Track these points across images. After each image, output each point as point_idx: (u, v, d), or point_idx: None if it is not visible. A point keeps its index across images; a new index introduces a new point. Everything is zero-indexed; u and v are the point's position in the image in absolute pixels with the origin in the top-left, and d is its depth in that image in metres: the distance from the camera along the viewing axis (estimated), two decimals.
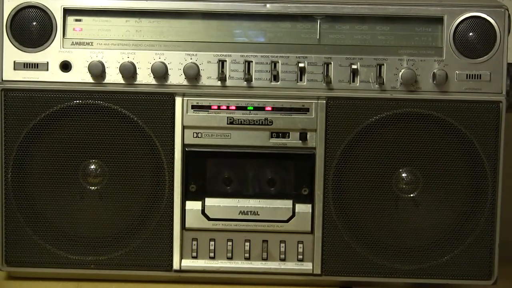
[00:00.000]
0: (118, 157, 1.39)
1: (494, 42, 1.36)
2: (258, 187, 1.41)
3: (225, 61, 1.38)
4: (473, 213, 1.39)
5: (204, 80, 1.38)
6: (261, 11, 1.38)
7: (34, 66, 1.37)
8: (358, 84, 1.38)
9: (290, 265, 1.41)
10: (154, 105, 1.38)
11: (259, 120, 1.39)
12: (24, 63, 1.38)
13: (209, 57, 1.38)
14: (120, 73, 1.37)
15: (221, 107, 1.38)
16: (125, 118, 1.37)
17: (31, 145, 1.38)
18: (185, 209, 1.40)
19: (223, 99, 1.38)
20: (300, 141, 1.39)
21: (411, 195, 1.40)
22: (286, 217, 1.40)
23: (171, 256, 1.41)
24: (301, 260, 1.41)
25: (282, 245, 1.41)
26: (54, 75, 1.38)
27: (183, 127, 1.39)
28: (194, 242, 1.41)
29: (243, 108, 1.38)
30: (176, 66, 1.38)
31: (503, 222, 1.40)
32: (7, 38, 1.37)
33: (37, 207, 1.40)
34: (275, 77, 1.38)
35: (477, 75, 1.37)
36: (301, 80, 1.38)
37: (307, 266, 1.41)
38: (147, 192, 1.40)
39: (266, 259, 1.41)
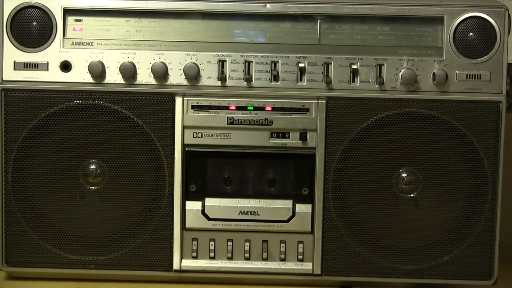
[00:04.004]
0: (118, 157, 1.39)
1: (494, 42, 1.36)
2: (258, 187, 1.41)
3: (225, 61, 1.38)
4: (473, 213, 1.39)
5: (204, 80, 1.38)
6: (261, 11, 1.38)
7: (34, 66, 1.38)
8: (358, 84, 1.38)
9: (290, 265, 1.42)
10: (154, 105, 1.38)
11: (259, 120, 1.39)
12: (24, 63, 1.38)
13: (209, 57, 1.38)
14: (120, 73, 1.38)
15: (221, 107, 1.38)
16: (125, 118, 1.37)
17: (31, 145, 1.38)
18: (185, 209, 1.40)
19: (223, 99, 1.38)
20: (300, 141, 1.39)
21: (411, 195, 1.40)
22: (286, 217, 1.40)
23: (171, 256, 1.41)
24: (301, 260, 1.41)
25: (282, 245, 1.41)
26: (54, 75, 1.38)
27: (183, 127, 1.39)
28: (194, 242, 1.41)
29: (243, 108, 1.38)
30: (176, 66, 1.38)
31: (503, 222, 1.40)
32: (7, 38, 1.37)
33: (37, 207, 1.40)
34: (275, 77, 1.38)
35: (477, 75, 1.37)
36: (301, 80, 1.38)
37: (307, 266, 1.41)
38: (147, 192, 1.40)
39: (266, 259, 1.41)
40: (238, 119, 1.39)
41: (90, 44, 1.38)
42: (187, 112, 1.38)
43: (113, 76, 1.38)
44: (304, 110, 1.38)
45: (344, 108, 1.37)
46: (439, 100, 1.37)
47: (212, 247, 1.41)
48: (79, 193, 1.40)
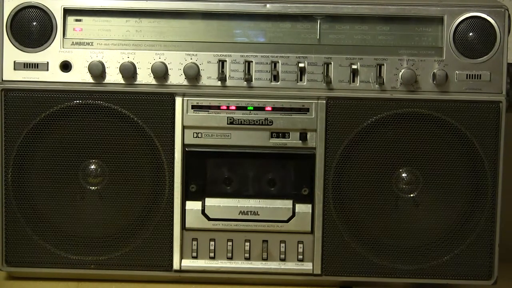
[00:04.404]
0: (118, 157, 1.39)
1: (494, 42, 1.36)
2: (258, 187, 1.41)
3: (225, 61, 1.38)
4: (473, 213, 1.39)
5: (204, 80, 1.38)
6: (261, 11, 1.38)
7: (34, 66, 1.38)
8: (358, 84, 1.38)
9: (290, 265, 1.42)
10: (154, 105, 1.38)
11: (259, 120, 1.39)
12: (24, 63, 1.38)
13: (209, 57, 1.38)
14: (120, 73, 1.38)
15: (221, 107, 1.38)
16: (125, 118, 1.37)
17: (31, 145, 1.38)
18: (185, 209, 1.40)
19: (223, 99, 1.38)
20: (300, 141, 1.39)
21: (411, 195, 1.40)
22: (286, 217, 1.40)
23: (171, 256, 1.41)
24: (301, 260, 1.41)
25: (282, 245, 1.41)
26: (54, 75, 1.38)
27: (183, 127, 1.39)
28: (194, 242, 1.41)
29: (243, 108, 1.38)
30: (176, 66, 1.38)
31: (503, 222, 1.40)
32: (7, 38, 1.37)
33: (37, 207, 1.40)
34: (275, 77, 1.38)
35: (477, 75, 1.37)
36: (301, 80, 1.38)
37: (307, 266, 1.41)
38: (147, 192, 1.40)
39: (266, 259, 1.41)
40: (238, 119, 1.39)
41: (90, 44, 1.38)
42: (187, 112, 1.38)
43: (113, 76, 1.38)
44: (304, 110, 1.38)
45: (344, 108, 1.37)
46: (439, 100, 1.37)
47: (212, 247, 1.41)
48: (79, 193, 1.40)
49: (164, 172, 1.39)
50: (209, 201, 1.41)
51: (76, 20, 1.39)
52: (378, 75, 1.37)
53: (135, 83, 1.38)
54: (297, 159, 1.39)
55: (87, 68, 1.37)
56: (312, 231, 1.40)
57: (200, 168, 1.40)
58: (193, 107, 1.38)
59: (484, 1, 1.39)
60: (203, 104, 1.38)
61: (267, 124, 1.39)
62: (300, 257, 1.41)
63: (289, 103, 1.38)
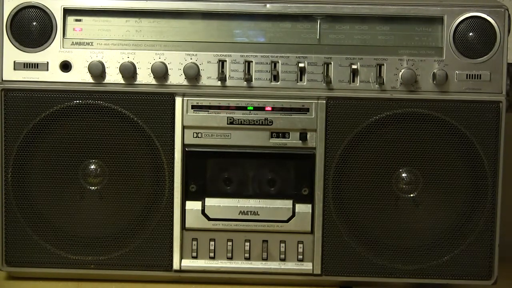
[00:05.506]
0: (118, 157, 1.39)
1: (494, 42, 1.36)
2: (258, 187, 1.41)
3: (225, 61, 1.38)
4: (473, 213, 1.39)
5: (204, 80, 1.38)
6: (261, 11, 1.38)
7: (34, 66, 1.38)
8: (358, 84, 1.38)
9: (290, 265, 1.42)
10: (154, 105, 1.38)
11: (259, 120, 1.39)
12: (24, 63, 1.38)
13: (209, 57, 1.38)
14: (120, 73, 1.38)
15: (221, 107, 1.38)
16: (125, 118, 1.37)
17: (31, 145, 1.38)
18: (185, 209, 1.40)
19: (223, 99, 1.38)
20: (300, 141, 1.39)
21: (411, 195, 1.40)
22: (286, 217, 1.40)
23: (171, 256, 1.41)
24: (301, 260, 1.41)
25: (282, 245, 1.41)
26: (54, 75, 1.38)
27: (183, 127, 1.39)
28: (194, 242, 1.41)
29: (243, 108, 1.38)
30: (176, 66, 1.38)
31: (503, 222, 1.40)
32: (7, 38, 1.37)
33: (37, 207, 1.40)
34: (275, 77, 1.38)
35: (477, 75, 1.37)
36: (301, 80, 1.38)
37: (307, 266, 1.41)
38: (147, 192, 1.40)
39: (266, 259, 1.41)
40: (238, 119, 1.39)
41: (90, 44, 1.38)
42: (187, 112, 1.38)
43: (113, 76, 1.38)
44: (304, 110, 1.38)
45: (344, 108, 1.37)
46: (439, 100, 1.37)
47: (212, 247, 1.41)
48: (79, 193, 1.40)
49: (164, 172, 1.39)
50: (209, 201, 1.41)
51: (76, 20, 1.39)
52: (378, 75, 1.37)
53: (135, 83, 1.38)
54: (297, 159, 1.39)
55: (87, 68, 1.37)
56: (312, 231, 1.40)
57: (200, 168, 1.40)
58: (193, 107, 1.38)
59: (484, 1, 1.39)
60: (203, 104, 1.38)
61: (267, 124, 1.39)
62: (300, 257, 1.41)
63: (289, 103, 1.38)
